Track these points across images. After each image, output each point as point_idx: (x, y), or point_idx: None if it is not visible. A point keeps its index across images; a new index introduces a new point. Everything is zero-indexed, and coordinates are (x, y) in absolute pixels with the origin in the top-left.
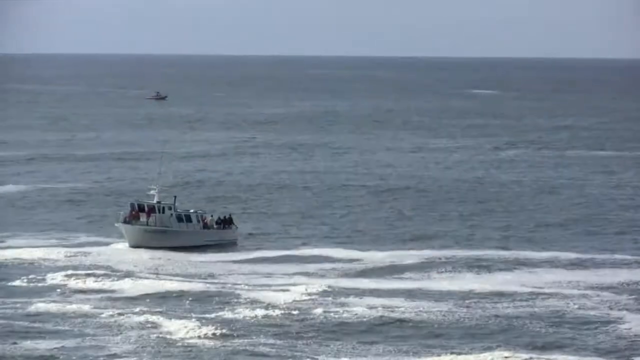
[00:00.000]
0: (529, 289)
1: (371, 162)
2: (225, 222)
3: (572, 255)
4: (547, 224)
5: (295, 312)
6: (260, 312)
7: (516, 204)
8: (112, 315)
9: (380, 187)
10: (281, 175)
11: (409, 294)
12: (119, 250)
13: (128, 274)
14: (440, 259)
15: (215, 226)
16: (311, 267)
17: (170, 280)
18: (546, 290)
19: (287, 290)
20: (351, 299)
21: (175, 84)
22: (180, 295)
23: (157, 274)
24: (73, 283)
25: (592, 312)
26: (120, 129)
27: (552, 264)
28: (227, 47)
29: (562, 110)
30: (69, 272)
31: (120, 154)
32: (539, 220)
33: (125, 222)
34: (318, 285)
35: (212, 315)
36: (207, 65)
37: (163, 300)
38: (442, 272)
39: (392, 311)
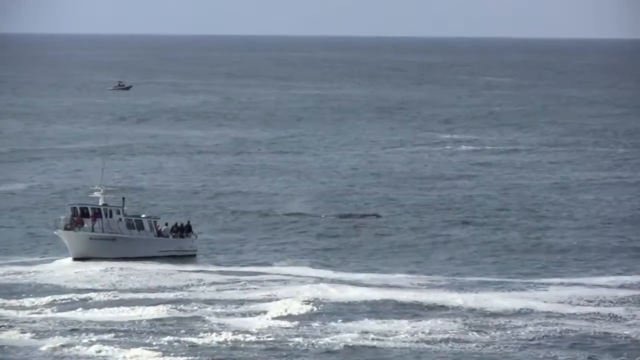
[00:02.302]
0: (548, 309)
1: (357, 163)
2: (183, 230)
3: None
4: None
5: (269, 338)
6: (229, 337)
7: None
8: (56, 346)
9: (360, 193)
10: (249, 179)
11: (401, 314)
12: (63, 266)
13: (75, 294)
14: (445, 278)
15: (171, 235)
16: (284, 285)
17: (125, 300)
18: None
19: (259, 311)
20: (335, 322)
21: (153, 69)
22: (138, 318)
23: (109, 292)
24: (8, 306)
25: (617, 331)
26: (68, 121)
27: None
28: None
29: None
30: (3, 293)
31: (66, 150)
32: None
33: (66, 228)
34: (293, 304)
35: (175, 342)
36: (183, 47)
37: (117, 326)
38: (448, 289)
39: (384, 336)
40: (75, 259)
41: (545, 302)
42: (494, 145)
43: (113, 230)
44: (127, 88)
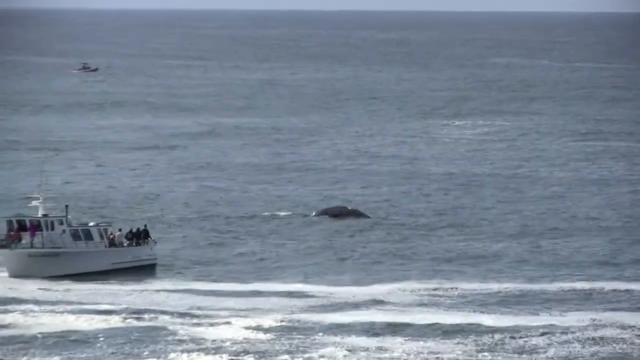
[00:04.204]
0: (572, 325)
1: (338, 157)
2: (139, 237)
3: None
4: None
5: (248, 354)
6: (199, 359)
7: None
8: None
9: (344, 190)
10: (215, 176)
11: (394, 331)
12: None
13: (10, 309)
14: (446, 288)
15: (125, 242)
16: (260, 301)
17: (73, 314)
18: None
19: (233, 328)
20: (318, 336)
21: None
22: (87, 335)
23: (53, 306)
24: None
25: None
26: (7, 111)
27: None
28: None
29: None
30: None
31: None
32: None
33: (1, 246)
34: (267, 318)
35: None
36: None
37: (63, 344)
38: (450, 302)
39: (378, 354)
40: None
41: (567, 317)
42: (494, 133)
43: (55, 243)
44: (94, 70)
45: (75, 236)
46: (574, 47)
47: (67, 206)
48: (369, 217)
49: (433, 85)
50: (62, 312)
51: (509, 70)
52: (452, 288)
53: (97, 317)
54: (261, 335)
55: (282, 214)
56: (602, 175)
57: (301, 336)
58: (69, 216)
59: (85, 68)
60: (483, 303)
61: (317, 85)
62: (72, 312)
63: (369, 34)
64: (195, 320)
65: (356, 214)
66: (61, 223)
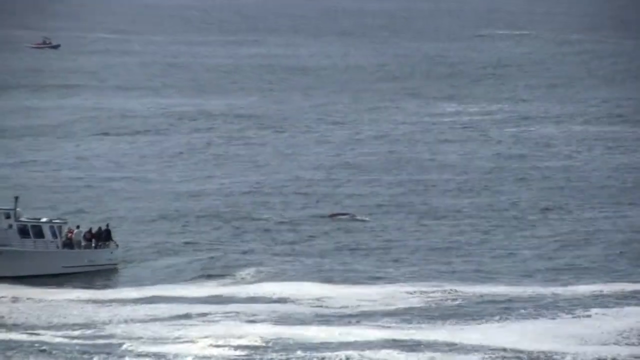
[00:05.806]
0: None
1: (327, 150)
2: (100, 238)
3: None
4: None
5: None
6: None
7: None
8: None
9: (334, 187)
10: (183, 170)
11: (392, 345)
12: None
13: None
14: (435, 296)
15: (83, 243)
16: (232, 307)
17: (19, 324)
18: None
19: (199, 344)
20: (302, 352)
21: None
22: (33, 349)
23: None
24: None
25: None
26: None
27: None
28: None
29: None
30: None
31: None
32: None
33: None
34: (243, 336)
35: None
36: None
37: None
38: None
39: None
40: None
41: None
42: (487, 114)
43: (0, 240)
44: (55, 47)
45: (23, 232)
46: (573, 18)
47: (16, 198)
48: (364, 220)
49: (414, 63)
50: (8, 328)
51: (501, 45)
52: (451, 291)
53: (45, 329)
54: (231, 353)
55: (260, 213)
56: (609, 165)
57: (278, 354)
58: (18, 209)
59: (45, 43)
60: (488, 310)
61: (287, 62)
62: (17, 321)
63: (341, 4)
64: (157, 335)
65: (345, 215)
66: (8, 217)
